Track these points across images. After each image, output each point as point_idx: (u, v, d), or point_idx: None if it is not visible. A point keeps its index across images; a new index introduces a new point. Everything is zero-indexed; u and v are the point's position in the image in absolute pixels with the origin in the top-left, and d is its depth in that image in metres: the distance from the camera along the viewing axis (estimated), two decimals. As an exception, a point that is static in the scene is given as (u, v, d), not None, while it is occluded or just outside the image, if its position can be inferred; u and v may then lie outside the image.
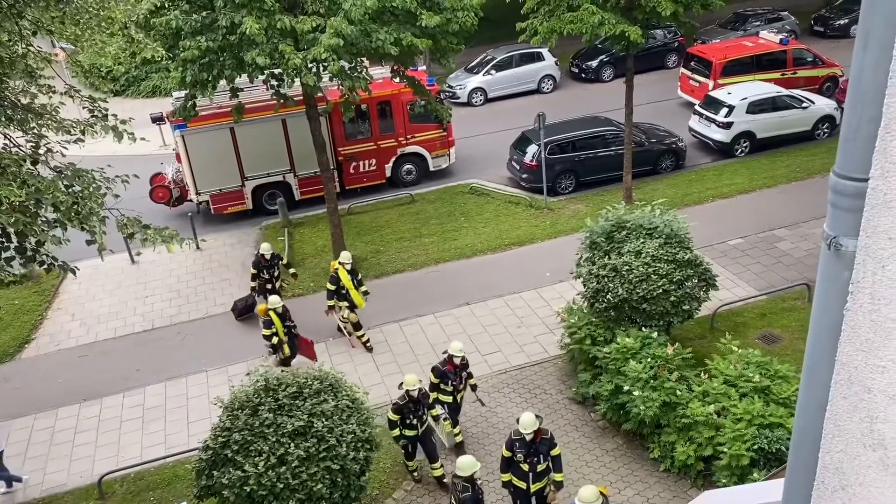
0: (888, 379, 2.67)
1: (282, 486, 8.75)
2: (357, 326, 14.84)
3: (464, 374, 12.08)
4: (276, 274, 15.67)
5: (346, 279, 14.56)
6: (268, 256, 15.54)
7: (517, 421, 10.18)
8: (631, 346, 11.83)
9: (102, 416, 13.97)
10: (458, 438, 12.21)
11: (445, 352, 12.08)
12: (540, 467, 9.99)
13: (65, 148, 10.02)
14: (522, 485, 10.08)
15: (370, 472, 9.70)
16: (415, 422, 11.19)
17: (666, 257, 12.46)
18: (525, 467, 9.97)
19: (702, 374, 11.67)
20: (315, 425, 9.16)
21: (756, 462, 10.20)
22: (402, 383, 11.22)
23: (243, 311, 16.12)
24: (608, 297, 12.42)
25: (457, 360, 11.86)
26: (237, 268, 18.57)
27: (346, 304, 14.69)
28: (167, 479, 12.31)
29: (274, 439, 9.04)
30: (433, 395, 11.83)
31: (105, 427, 13.69)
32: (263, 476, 8.76)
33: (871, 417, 2.79)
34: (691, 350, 12.18)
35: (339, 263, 14.68)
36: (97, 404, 14.24)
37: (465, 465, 9.41)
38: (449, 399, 11.98)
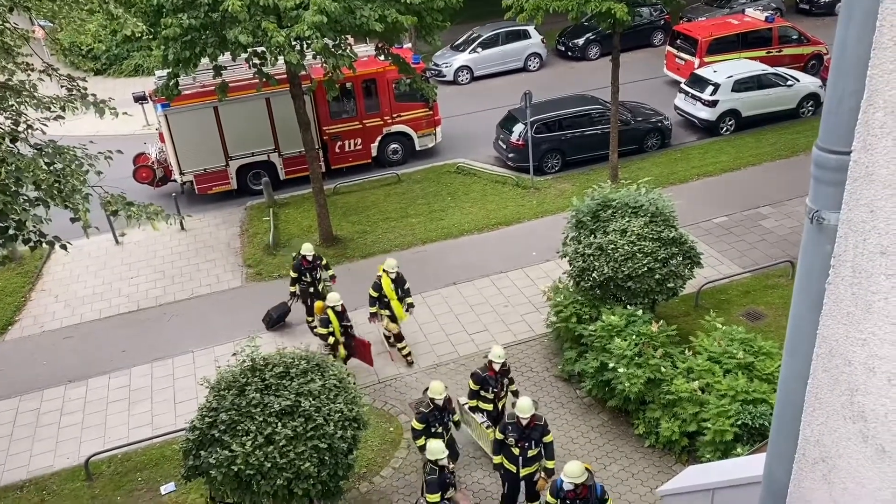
0: (868, 351, 2.70)
1: (269, 465, 8.75)
2: (399, 338, 13.84)
3: (505, 380, 11.41)
4: (318, 277, 14.45)
5: (388, 288, 13.46)
6: (309, 258, 14.25)
7: (513, 405, 10.27)
8: (616, 323, 11.90)
9: (88, 397, 13.91)
10: None
11: (486, 357, 11.48)
12: (531, 453, 10.00)
13: (45, 125, 9.87)
14: (513, 468, 10.10)
15: (358, 450, 9.72)
16: (440, 430, 10.67)
17: (651, 235, 12.50)
18: (516, 451, 9.97)
19: (686, 351, 11.77)
20: (302, 405, 9.16)
21: (739, 437, 10.32)
22: (426, 389, 10.82)
23: (277, 320, 15.03)
24: (594, 275, 12.46)
25: (497, 367, 11.13)
26: (222, 248, 18.46)
27: (387, 313, 13.68)
28: (154, 459, 12.31)
29: (261, 419, 9.03)
30: (473, 402, 11.41)
31: (91, 408, 13.64)
32: (251, 455, 8.76)
33: (851, 390, 2.82)
34: (676, 327, 12.26)
35: (384, 270, 13.59)
36: (83, 386, 14.18)
37: (434, 449, 9.48)
38: (489, 407, 11.38)
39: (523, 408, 9.87)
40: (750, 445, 10.04)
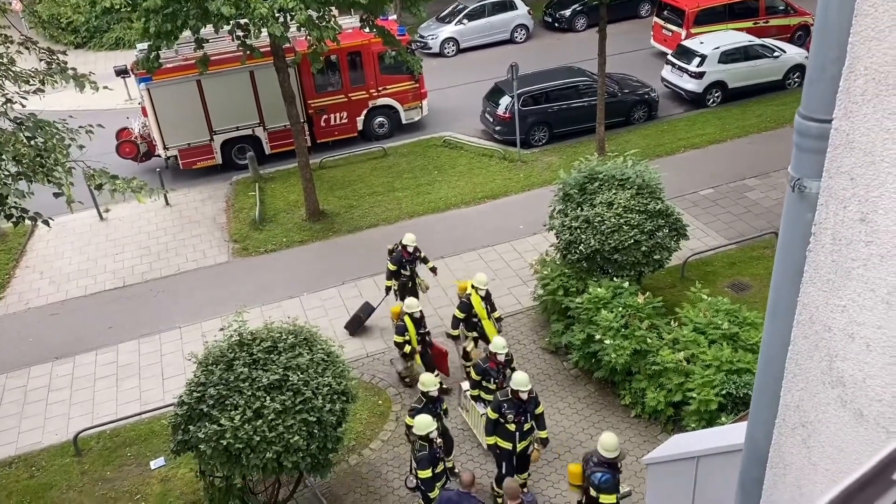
0: (847, 318, 2.73)
1: (258, 438, 8.79)
2: (467, 357, 12.50)
3: (507, 371, 11.14)
4: (416, 270, 13.52)
5: (479, 307, 12.18)
6: (410, 249, 13.24)
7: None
8: (603, 295, 11.97)
9: (76, 374, 13.89)
10: None
11: (485, 350, 11.31)
12: (526, 426, 10.07)
13: (24, 98, 9.72)
14: (508, 445, 10.05)
15: (347, 423, 9.76)
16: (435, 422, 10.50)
17: (637, 208, 12.54)
18: (512, 427, 9.96)
19: (672, 323, 11.88)
20: (291, 379, 9.18)
21: (724, 407, 10.46)
22: (419, 383, 10.61)
23: (364, 321, 14.13)
24: (580, 248, 12.51)
25: (500, 358, 10.92)
26: (208, 223, 18.36)
27: (474, 334, 12.40)
28: (143, 435, 12.34)
29: (249, 393, 9.05)
30: (475, 392, 11.25)
31: (78, 385, 13.63)
32: (240, 429, 8.78)
33: (830, 356, 2.86)
34: (662, 299, 12.36)
35: (473, 287, 12.29)
36: (70, 362, 14.15)
37: (421, 424, 9.51)
38: (491, 398, 10.91)
39: (522, 381, 9.83)
40: (734, 414, 10.19)
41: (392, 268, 13.38)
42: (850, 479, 1.30)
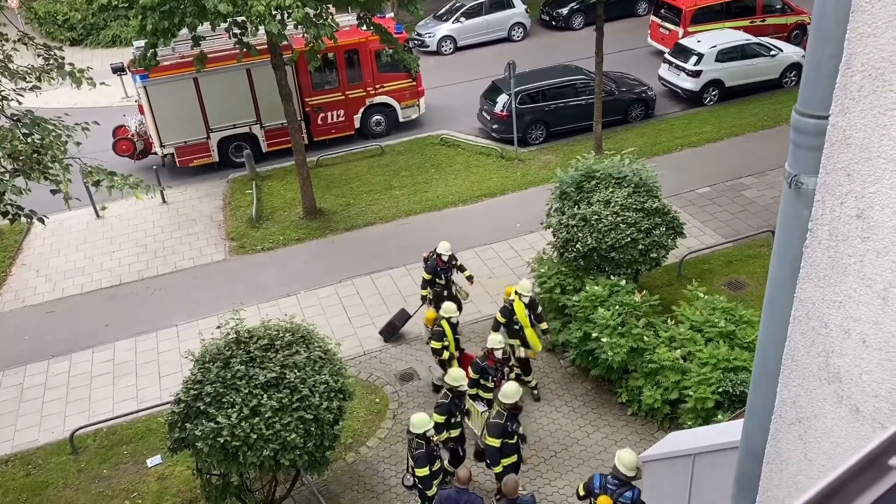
0: (844, 313, 2.74)
1: (255, 436, 8.79)
2: (527, 370, 12.21)
3: (505, 369, 11.19)
4: (452, 278, 13.10)
5: (521, 314, 11.87)
6: (445, 258, 12.91)
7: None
8: (599, 294, 11.98)
9: (72, 371, 13.87)
10: None
11: (487, 349, 11.11)
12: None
13: (20, 95, 9.70)
14: (514, 458, 10.02)
15: (344, 421, 9.77)
16: (459, 419, 10.45)
17: (634, 206, 12.55)
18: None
19: (669, 321, 11.89)
20: (287, 376, 9.18)
21: (721, 404, 10.48)
22: (446, 376, 10.61)
23: (399, 329, 13.80)
24: (577, 246, 12.51)
25: (497, 355, 10.87)
26: (205, 221, 18.33)
27: (517, 342, 12.05)
28: (140, 432, 12.33)
29: (246, 391, 9.04)
30: (473, 391, 11.08)
31: (75, 383, 13.60)
32: (237, 427, 8.78)
33: (826, 352, 2.87)
34: (659, 297, 12.38)
35: (517, 293, 11.98)
36: (66, 360, 14.13)
37: (419, 422, 9.51)
38: (489, 396, 11.07)
39: (510, 393, 9.70)
40: (730, 412, 10.20)
41: (427, 277, 13.08)
42: (846, 465, 1.31)
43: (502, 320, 11.92)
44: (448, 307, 11.85)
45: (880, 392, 2.67)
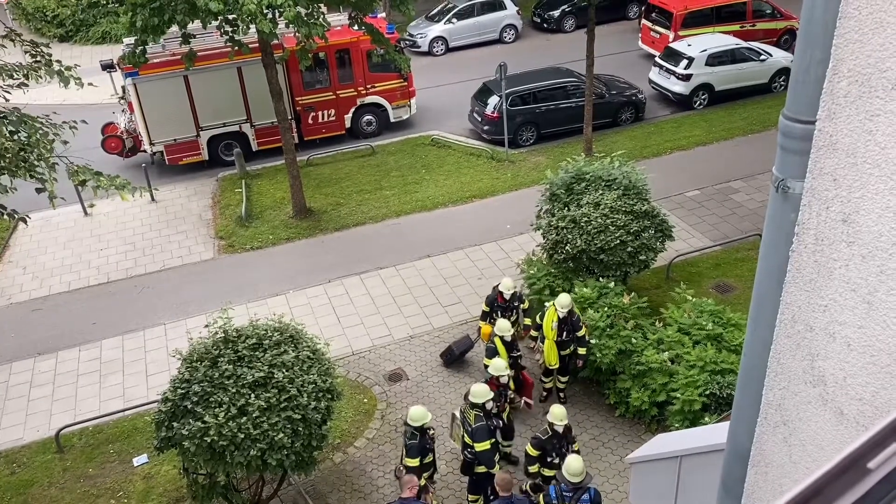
0: (829, 317, 2.76)
1: (243, 436, 8.76)
2: (546, 372, 12.17)
3: (508, 393, 10.96)
4: (512, 320, 12.16)
5: (548, 325, 11.49)
6: (507, 296, 12.20)
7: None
8: (588, 295, 12.02)
9: (58, 370, 13.77)
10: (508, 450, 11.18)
11: (491, 375, 10.68)
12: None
13: (7, 93, 9.62)
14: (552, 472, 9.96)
15: (332, 421, 9.76)
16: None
17: (624, 208, 12.60)
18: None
19: (657, 323, 11.94)
20: (276, 376, 9.15)
21: (708, 407, 10.53)
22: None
23: (459, 356, 13.12)
24: (567, 248, 12.55)
25: (503, 380, 10.59)
26: (193, 220, 18.26)
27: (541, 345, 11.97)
28: (126, 431, 12.26)
29: (234, 390, 9.01)
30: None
31: (61, 381, 13.51)
32: (224, 426, 8.74)
33: (812, 355, 2.89)
34: (647, 299, 12.43)
35: (553, 306, 11.56)
36: (52, 358, 14.02)
37: (416, 415, 9.59)
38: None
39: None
40: (717, 414, 10.26)
41: (485, 308, 12.50)
42: (826, 467, 1.32)
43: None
44: (502, 325, 11.41)
45: (864, 395, 2.69)
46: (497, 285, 12.44)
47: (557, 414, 9.78)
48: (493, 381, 10.54)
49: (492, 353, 11.34)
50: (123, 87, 19.73)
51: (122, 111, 20.56)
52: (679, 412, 10.64)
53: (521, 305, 12.43)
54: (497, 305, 12.33)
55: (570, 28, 28.54)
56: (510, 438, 11.06)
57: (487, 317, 12.42)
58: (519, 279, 13.88)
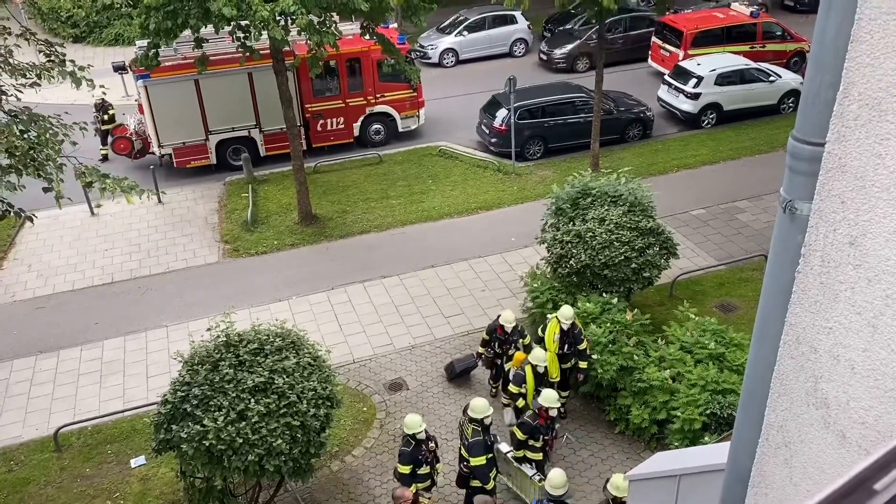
0: (834, 340, 2.75)
1: (241, 440, 8.75)
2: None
3: (556, 426, 10.66)
4: (510, 353, 12.00)
5: (550, 337, 11.44)
6: (507, 329, 11.91)
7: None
8: (591, 311, 12.00)
9: (59, 368, 13.78)
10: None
11: (539, 406, 10.28)
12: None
13: (20, 91, 9.68)
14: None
15: (330, 428, 9.74)
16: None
17: (629, 225, 12.59)
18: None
19: (659, 340, 11.91)
20: (276, 382, 9.15)
21: (708, 426, 10.48)
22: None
23: (460, 374, 12.95)
24: (571, 262, 12.54)
25: (552, 413, 10.19)
26: (199, 223, 18.30)
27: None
28: (125, 432, 12.25)
29: (234, 395, 9.01)
30: (520, 453, 10.41)
31: (62, 380, 13.52)
32: (223, 431, 8.74)
33: (815, 377, 2.88)
34: (650, 316, 12.41)
35: (556, 318, 11.51)
36: (54, 357, 14.04)
37: (410, 423, 9.68)
38: (539, 457, 10.40)
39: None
40: (717, 434, 10.20)
41: (485, 336, 12.27)
42: (832, 488, 1.32)
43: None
44: (538, 354, 11.02)
45: (867, 419, 2.68)
46: (499, 316, 12.16)
47: (548, 398, 10.17)
48: (542, 413, 10.14)
49: (519, 380, 10.99)
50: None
51: (130, 115, 20.68)
52: (679, 431, 10.60)
53: (522, 340, 12.04)
54: (496, 336, 12.04)
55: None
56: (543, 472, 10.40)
57: (487, 345, 12.19)
58: (522, 292, 13.88)
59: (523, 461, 10.42)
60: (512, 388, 11.21)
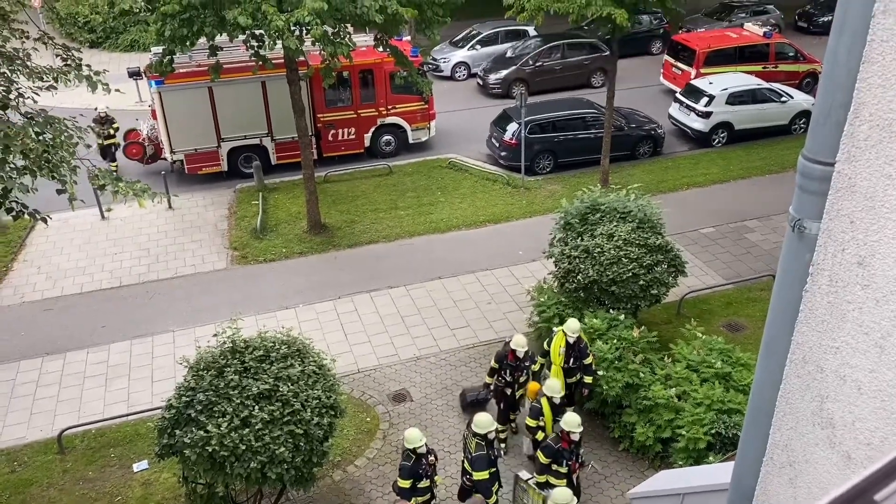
0: (840, 360, 2.75)
1: (244, 447, 8.74)
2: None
3: (581, 451, 10.26)
4: (521, 380, 11.64)
5: (555, 351, 11.42)
6: (520, 354, 11.42)
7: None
8: (598, 327, 11.97)
9: (65, 371, 13.82)
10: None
11: (561, 430, 10.08)
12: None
13: (37, 94, 9.78)
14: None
15: (334, 438, 9.72)
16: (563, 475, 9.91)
17: (637, 241, 12.58)
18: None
19: (665, 358, 11.86)
20: (280, 389, 9.15)
21: (713, 446, 10.42)
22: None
23: (470, 405, 12.35)
24: (579, 277, 12.52)
25: (574, 437, 9.87)
26: (209, 229, 18.38)
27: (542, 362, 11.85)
28: (128, 436, 12.26)
29: (238, 401, 9.01)
30: (543, 478, 10.07)
31: (67, 382, 13.55)
32: (226, 437, 8.73)
33: (821, 397, 2.87)
34: (657, 334, 12.36)
35: (563, 332, 11.41)
36: (60, 359, 14.09)
37: (411, 437, 9.61)
38: (563, 483, 9.87)
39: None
40: (722, 454, 10.15)
41: (493, 365, 11.72)
42: (831, 496, 1.32)
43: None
44: (553, 385, 10.72)
45: (873, 440, 2.67)
46: (508, 341, 11.73)
47: (570, 422, 9.92)
48: (564, 436, 9.95)
49: (536, 413, 10.75)
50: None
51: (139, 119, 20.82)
52: (683, 450, 10.53)
53: (532, 366, 11.74)
54: (507, 363, 11.52)
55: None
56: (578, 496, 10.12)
57: (495, 373, 11.69)
58: (528, 306, 13.86)
59: (545, 487, 9.93)
60: (529, 421, 10.87)
